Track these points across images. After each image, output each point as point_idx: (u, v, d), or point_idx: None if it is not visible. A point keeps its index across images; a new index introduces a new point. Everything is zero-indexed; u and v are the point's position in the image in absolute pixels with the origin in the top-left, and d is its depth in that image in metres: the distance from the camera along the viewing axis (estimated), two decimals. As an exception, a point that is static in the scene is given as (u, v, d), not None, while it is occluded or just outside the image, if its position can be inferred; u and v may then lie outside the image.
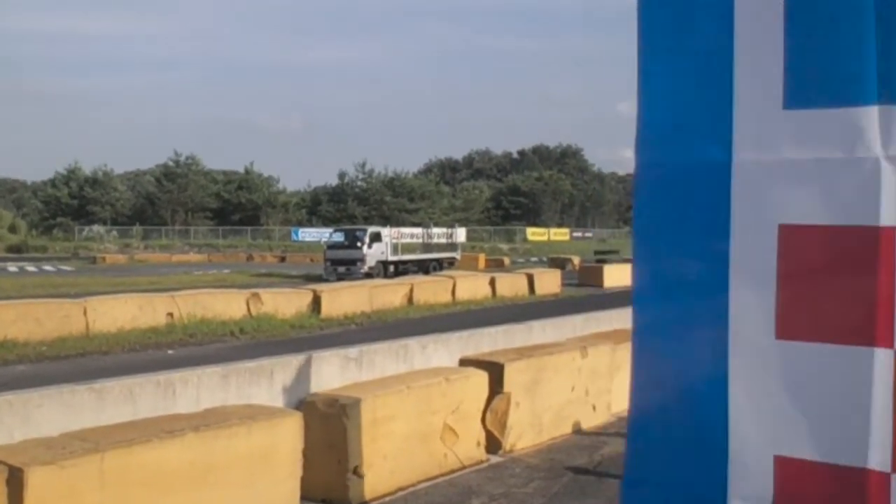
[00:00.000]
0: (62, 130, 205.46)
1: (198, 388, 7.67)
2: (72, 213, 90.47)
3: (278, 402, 8.03)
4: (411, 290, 28.82)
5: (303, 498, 7.15)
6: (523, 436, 9.73)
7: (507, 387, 9.44)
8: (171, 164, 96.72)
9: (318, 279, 37.71)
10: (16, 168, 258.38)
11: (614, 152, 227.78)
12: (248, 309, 23.30)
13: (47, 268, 54.57)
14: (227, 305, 23.12)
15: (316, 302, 24.81)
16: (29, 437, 6.19)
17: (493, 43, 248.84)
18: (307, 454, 7.14)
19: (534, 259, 64.99)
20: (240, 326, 21.71)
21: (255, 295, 24.09)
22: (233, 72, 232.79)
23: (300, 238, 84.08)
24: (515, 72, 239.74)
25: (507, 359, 9.74)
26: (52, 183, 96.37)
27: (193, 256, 69.43)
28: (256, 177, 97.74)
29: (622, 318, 15.06)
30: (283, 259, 66.75)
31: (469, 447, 8.95)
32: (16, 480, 5.25)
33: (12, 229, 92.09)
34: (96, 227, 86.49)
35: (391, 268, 41.87)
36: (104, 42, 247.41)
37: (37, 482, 5.30)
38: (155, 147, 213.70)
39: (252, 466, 6.64)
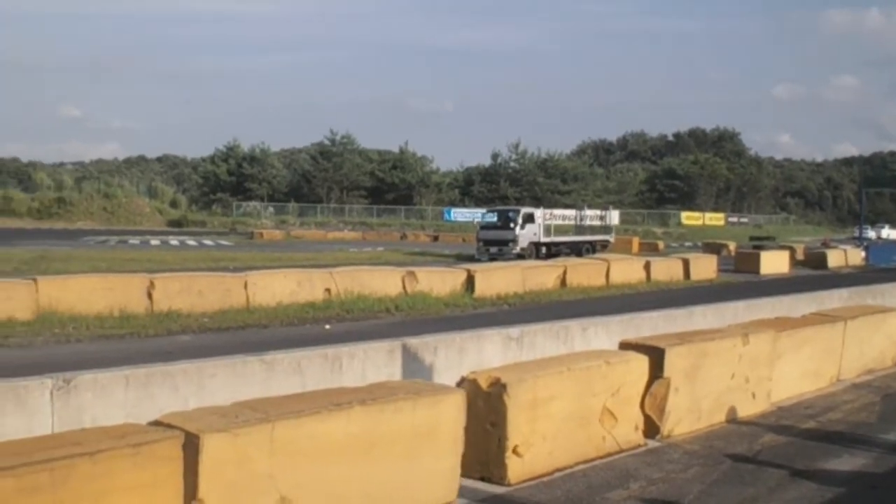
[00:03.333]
0: (222, 109, 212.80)
1: (363, 363, 7.81)
2: (230, 189, 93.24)
3: (442, 378, 8.10)
4: (564, 272, 28.60)
5: (462, 475, 7.17)
6: (682, 421, 9.53)
7: (667, 371, 9.24)
8: (326, 142, 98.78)
9: (471, 259, 37.90)
10: (177, 145, 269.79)
11: (771, 136, 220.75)
12: (404, 286, 23.57)
13: (207, 242, 56.61)
14: (383, 282, 23.45)
15: (469, 281, 24.91)
16: (203, 405, 6.40)
17: (650, 23, 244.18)
18: (467, 431, 7.15)
19: (688, 244, 63.83)
20: (395, 303, 21.99)
21: (411, 273, 24.35)
22: (388, 52, 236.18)
23: (452, 218, 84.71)
24: (672, 53, 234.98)
25: (668, 343, 9.53)
26: (212, 160, 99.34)
27: (348, 234, 70.84)
28: (410, 156, 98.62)
29: (784, 306, 14.63)
30: (435, 238, 67.42)
31: (627, 431, 8.83)
32: (192, 446, 5.42)
33: (173, 204, 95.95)
34: (253, 204, 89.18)
35: (543, 249, 41.53)
36: (263, 22, 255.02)
37: (211, 448, 5.46)
38: (311, 126, 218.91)
39: (415, 442, 6.68)
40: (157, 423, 5.74)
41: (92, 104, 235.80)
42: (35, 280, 18.56)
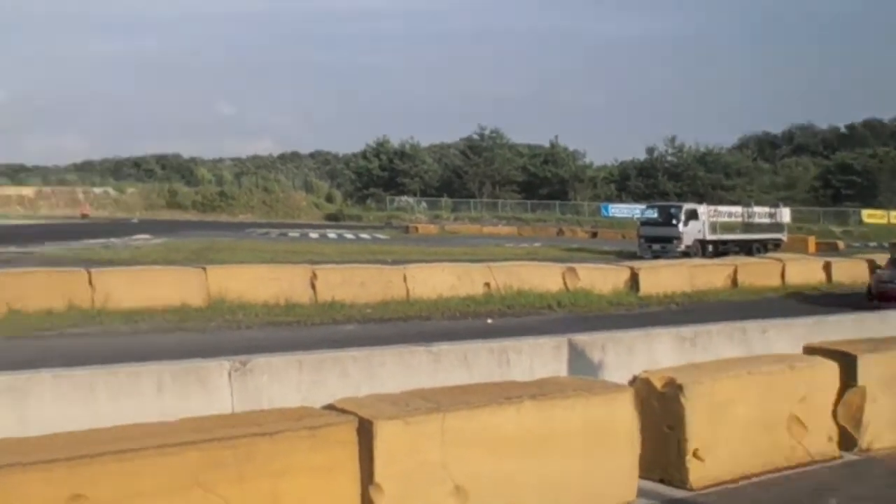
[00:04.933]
0: (369, 104, 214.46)
1: (531, 358, 7.63)
2: (382, 184, 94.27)
3: (610, 376, 7.83)
4: (735, 272, 27.56)
5: (640, 477, 6.89)
6: (882, 435, 8.73)
7: (861, 380, 8.55)
8: (475, 137, 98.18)
9: (632, 256, 37.18)
10: (327, 141, 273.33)
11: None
12: (564, 283, 23.29)
13: (363, 236, 57.83)
14: (543, 278, 23.25)
15: (633, 279, 24.43)
16: (373, 392, 6.38)
17: (815, 7, 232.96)
18: (642, 432, 6.89)
19: (872, 244, 60.32)
20: (557, 300, 21.78)
21: (571, 269, 24.04)
22: (535, 45, 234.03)
23: (610, 214, 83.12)
24: (841, 38, 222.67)
25: (860, 349, 8.83)
26: (363, 155, 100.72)
27: (503, 229, 70.75)
28: (562, 150, 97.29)
29: None
30: (594, 235, 66.43)
31: (819, 441, 8.20)
32: (366, 431, 5.45)
33: (329, 199, 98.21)
34: (406, 198, 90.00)
35: (710, 247, 40.14)
36: (408, 17, 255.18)
37: (385, 435, 5.47)
38: (459, 120, 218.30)
39: (590, 438, 6.50)
40: (330, 408, 5.81)
41: (245, 102, 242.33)
42: (204, 269, 19.35)
